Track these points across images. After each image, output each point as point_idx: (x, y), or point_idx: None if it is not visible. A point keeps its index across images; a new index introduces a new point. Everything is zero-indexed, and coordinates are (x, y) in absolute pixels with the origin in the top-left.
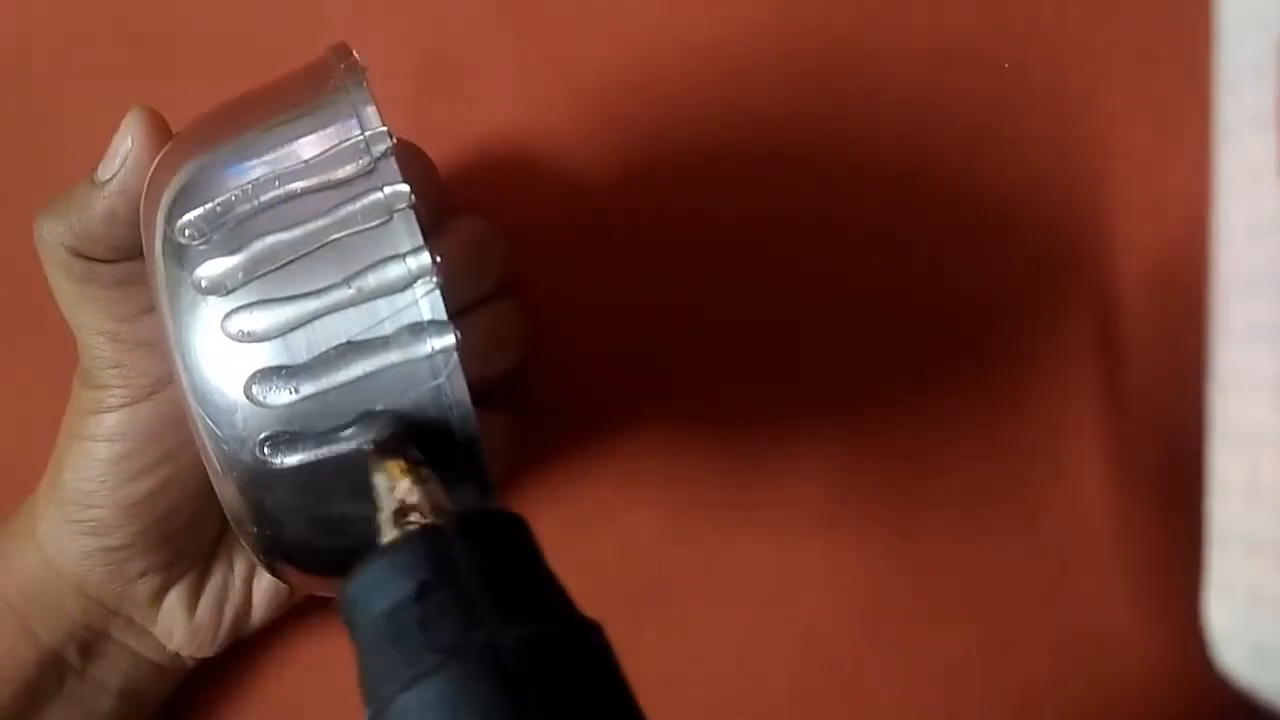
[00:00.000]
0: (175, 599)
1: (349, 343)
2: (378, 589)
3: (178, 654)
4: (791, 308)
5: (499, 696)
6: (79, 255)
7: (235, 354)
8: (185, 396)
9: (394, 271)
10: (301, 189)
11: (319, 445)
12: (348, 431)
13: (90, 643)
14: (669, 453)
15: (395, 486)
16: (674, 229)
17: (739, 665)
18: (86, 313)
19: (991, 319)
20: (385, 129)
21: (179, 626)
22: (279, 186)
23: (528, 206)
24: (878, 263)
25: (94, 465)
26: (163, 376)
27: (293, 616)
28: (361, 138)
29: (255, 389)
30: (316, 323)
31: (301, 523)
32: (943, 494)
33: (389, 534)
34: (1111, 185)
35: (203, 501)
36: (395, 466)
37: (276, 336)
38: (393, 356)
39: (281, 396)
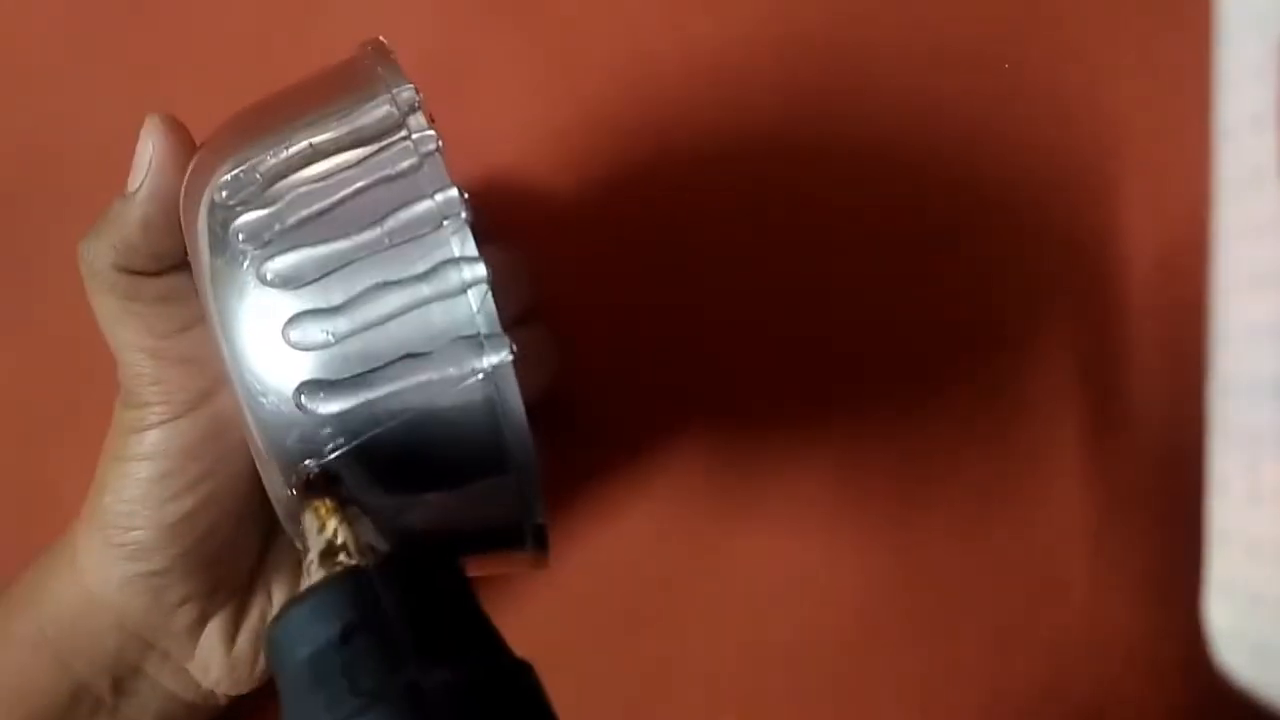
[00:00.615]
0: (214, 630)
1: (408, 356)
2: (301, 633)
3: (212, 691)
4: (792, 309)
5: None
6: (123, 270)
7: (289, 360)
8: (237, 396)
9: (449, 273)
10: (353, 191)
11: (355, 391)
12: (388, 384)
13: (124, 678)
14: (670, 452)
15: (324, 526)
16: (674, 229)
17: (739, 665)
18: (128, 330)
19: (992, 319)
20: (433, 131)
21: (217, 659)
22: (331, 191)
23: (528, 208)
24: (877, 264)
25: (134, 485)
26: (202, 391)
27: None
28: (409, 141)
29: (307, 399)
30: (374, 333)
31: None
32: (943, 494)
33: (315, 575)
34: (1111, 186)
35: (242, 524)
36: (322, 506)
37: (332, 346)
38: (445, 369)
39: (332, 406)
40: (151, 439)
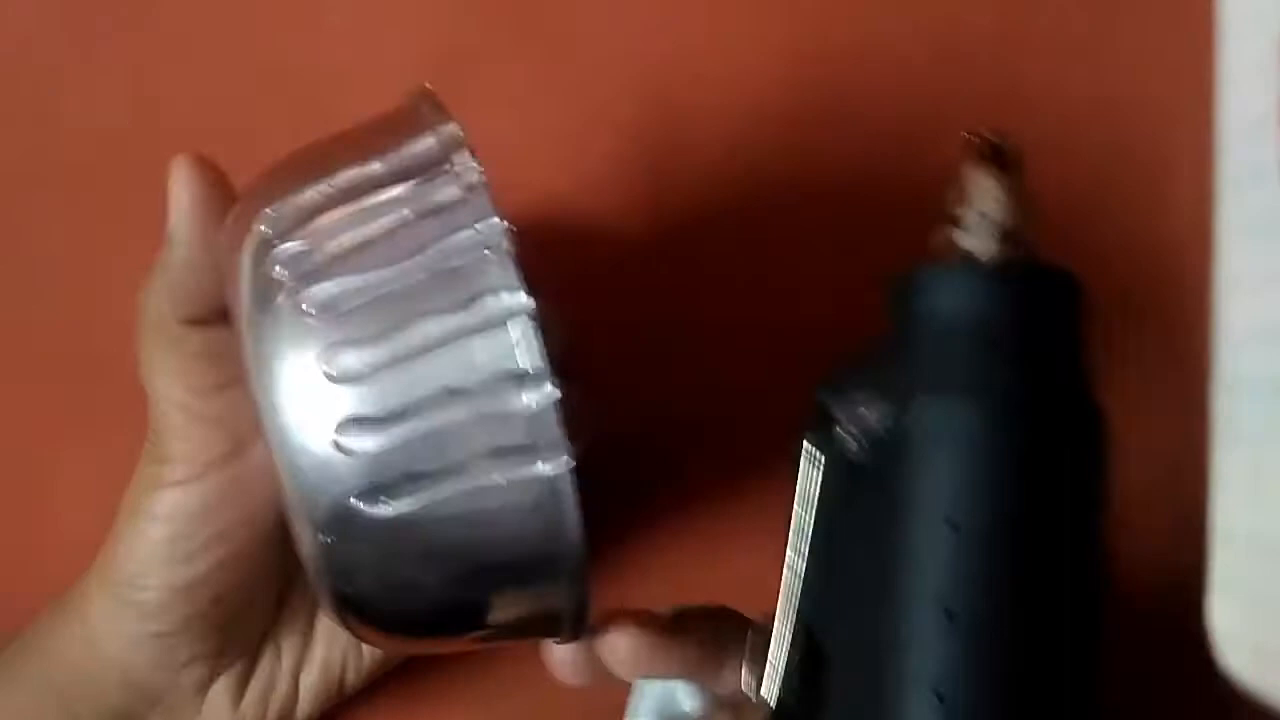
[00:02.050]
0: (221, 689)
1: (447, 391)
2: (993, 298)
3: None
4: (794, 309)
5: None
6: (174, 317)
7: (326, 394)
8: (270, 437)
9: (510, 390)
10: (394, 222)
11: (415, 491)
12: (444, 480)
13: None
14: (671, 452)
15: (1004, 201)
16: (676, 228)
17: None
18: (165, 380)
19: None
20: (477, 164)
21: (223, 718)
22: (371, 221)
23: (530, 211)
24: (880, 263)
25: (147, 545)
26: (225, 454)
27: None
28: (453, 173)
29: (343, 437)
30: (412, 365)
31: (377, 579)
32: None
33: (988, 242)
34: (1113, 185)
35: (257, 587)
36: (1002, 180)
37: (369, 377)
38: (498, 476)
39: (368, 443)
40: (169, 499)
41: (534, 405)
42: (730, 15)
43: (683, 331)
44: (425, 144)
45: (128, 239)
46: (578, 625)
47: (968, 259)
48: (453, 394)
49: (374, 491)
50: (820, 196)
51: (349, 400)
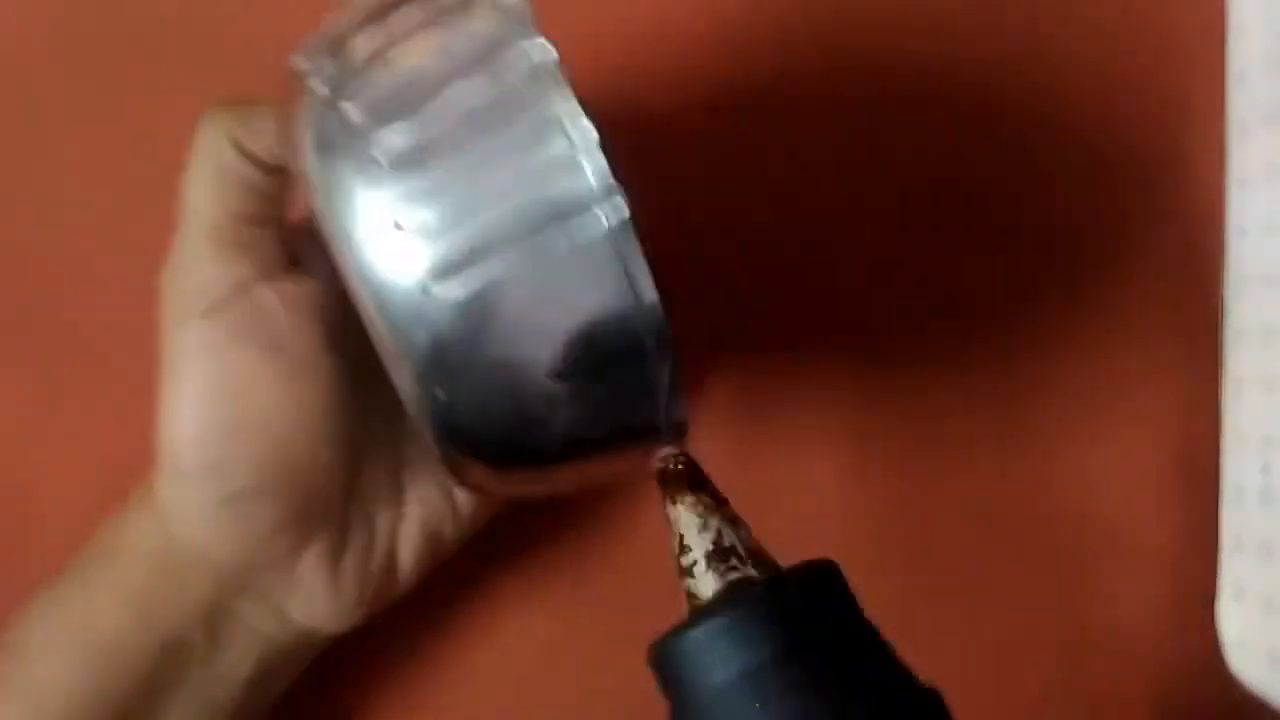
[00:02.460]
0: (314, 560)
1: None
2: (727, 649)
3: (312, 631)
4: (799, 301)
5: None
6: (239, 149)
7: (404, 244)
8: (353, 284)
9: (555, 137)
10: (442, 66)
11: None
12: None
13: (217, 625)
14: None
15: (705, 525)
16: (677, 221)
17: None
18: (206, 201)
19: (1004, 319)
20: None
21: (321, 592)
22: (423, 71)
23: None
24: (891, 259)
25: (189, 390)
26: (251, 277)
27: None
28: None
29: (406, 221)
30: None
31: (480, 376)
32: (954, 495)
33: (708, 580)
34: (1125, 182)
35: (317, 439)
36: (700, 503)
37: (433, 194)
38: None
39: (428, 222)
40: (196, 331)
41: (578, 149)
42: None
43: (685, 322)
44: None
45: (122, 237)
46: (674, 423)
47: (700, 611)
48: (498, 153)
49: (446, 270)
50: (825, 189)
51: (401, 186)
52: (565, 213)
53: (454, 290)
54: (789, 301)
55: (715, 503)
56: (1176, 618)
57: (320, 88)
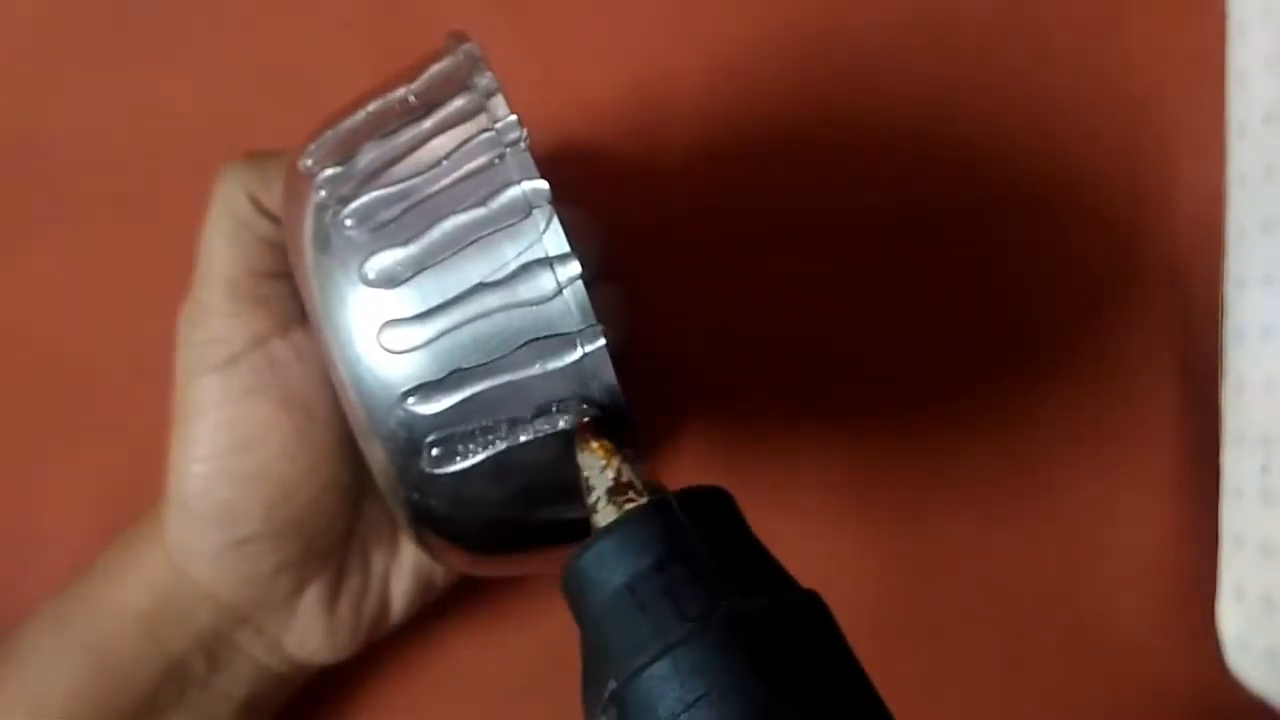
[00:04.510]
0: (313, 598)
1: (480, 285)
2: (614, 562)
3: (306, 663)
4: (799, 312)
5: (751, 664)
6: (256, 205)
7: (369, 302)
8: (327, 352)
9: (540, 275)
10: (439, 189)
11: (478, 446)
12: (502, 430)
13: (216, 652)
14: (672, 454)
15: (608, 464)
16: (678, 228)
17: None
18: (223, 257)
19: (1004, 323)
20: (515, 117)
21: (318, 628)
22: (398, 137)
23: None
24: (889, 269)
25: (203, 439)
26: (267, 331)
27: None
28: (493, 131)
29: (387, 338)
30: (463, 329)
31: (454, 503)
32: (954, 498)
33: (609, 511)
34: (1124, 183)
35: (323, 486)
36: (601, 447)
37: (408, 281)
38: (538, 366)
39: (412, 342)
40: (213, 384)
41: (563, 287)
42: (733, 10)
43: (683, 331)
44: (446, 64)
45: (124, 245)
46: None
47: (595, 536)
48: (485, 288)
49: (424, 390)
50: (828, 194)
51: (389, 304)
52: (544, 343)
53: (431, 408)
54: (784, 343)
55: (616, 446)
56: (1176, 618)
57: (322, 194)
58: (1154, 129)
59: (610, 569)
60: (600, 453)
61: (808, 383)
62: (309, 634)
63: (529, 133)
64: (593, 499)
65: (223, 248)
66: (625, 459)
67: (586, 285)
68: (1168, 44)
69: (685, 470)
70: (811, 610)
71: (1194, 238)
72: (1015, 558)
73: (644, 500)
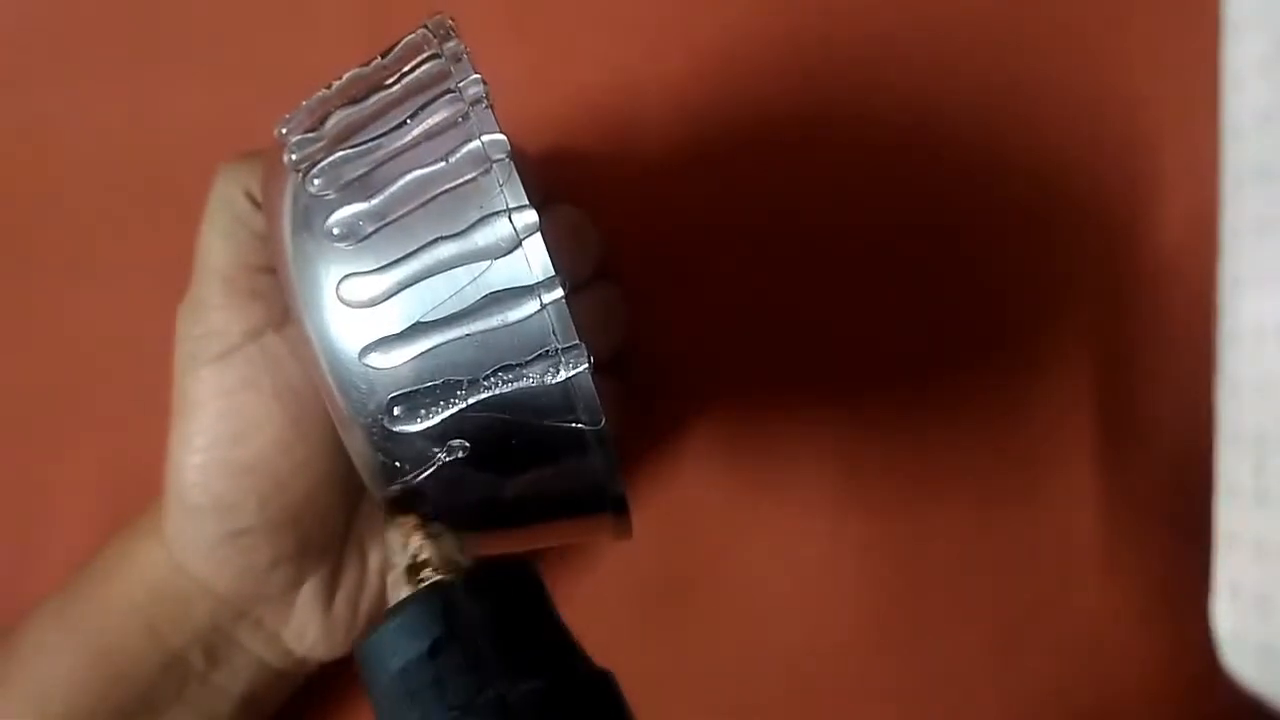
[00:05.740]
0: (310, 593)
1: (463, 309)
2: (392, 648)
3: (304, 658)
4: (794, 310)
5: None
6: (252, 202)
7: (350, 317)
8: (309, 358)
9: (498, 226)
10: (402, 146)
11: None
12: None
13: (216, 647)
14: (672, 454)
15: (407, 542)
16: (676, 227)
17: (741, 667)
18: (220, 252)
19: (997, 322)
20: (479, 76)
21: (315, 623)
22: (387, 150)
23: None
24: (882, 268)
25: (199, 431)
26: (260, 324)
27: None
28: (456, 90)
29: (371, 355)
30: (422, 282)
31: (420, 447)
32: (947, 497)
33: (402, 591)
34: (1117, 183)
35: (317, 480)
36: (406, 524)
37: (384, 300)
38: (531, 374)
39: (395, 360)
40: (209, 377)
41: (521, 237)
42: (731, 9)
43: (682, 331)
44: (417, 34)
45: (127, 241)
46: (618, 499)
47: (386, 616)
48: (444, 240)
49: (384, 344)
50: (826, 194)
51: (351, 258)
52: (503, 296)
53: (390, 361)
54: (783, 343)
55: (420, 522)
56: (1171, 616)
57: (293, 156)
58: (1150, 130)
59: (390, 653)
60: (404, 528)
61: (807, 382)
62: (306, 628)
63: (496, 95)
64: (392, 578)
65: (219, 244)
66: (429, 535)
67: (544, 237)
68: (1165, 46)
69: (685, 470)
70: (592, 688)
71: (1189, 238)
72: (1007, 559)
73: (431, 581)
